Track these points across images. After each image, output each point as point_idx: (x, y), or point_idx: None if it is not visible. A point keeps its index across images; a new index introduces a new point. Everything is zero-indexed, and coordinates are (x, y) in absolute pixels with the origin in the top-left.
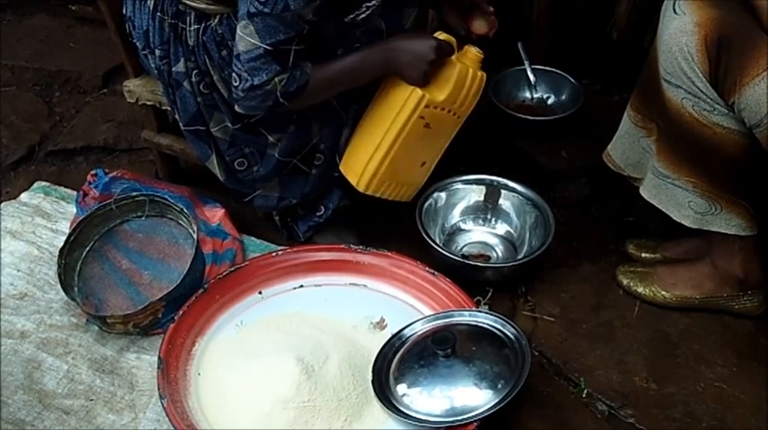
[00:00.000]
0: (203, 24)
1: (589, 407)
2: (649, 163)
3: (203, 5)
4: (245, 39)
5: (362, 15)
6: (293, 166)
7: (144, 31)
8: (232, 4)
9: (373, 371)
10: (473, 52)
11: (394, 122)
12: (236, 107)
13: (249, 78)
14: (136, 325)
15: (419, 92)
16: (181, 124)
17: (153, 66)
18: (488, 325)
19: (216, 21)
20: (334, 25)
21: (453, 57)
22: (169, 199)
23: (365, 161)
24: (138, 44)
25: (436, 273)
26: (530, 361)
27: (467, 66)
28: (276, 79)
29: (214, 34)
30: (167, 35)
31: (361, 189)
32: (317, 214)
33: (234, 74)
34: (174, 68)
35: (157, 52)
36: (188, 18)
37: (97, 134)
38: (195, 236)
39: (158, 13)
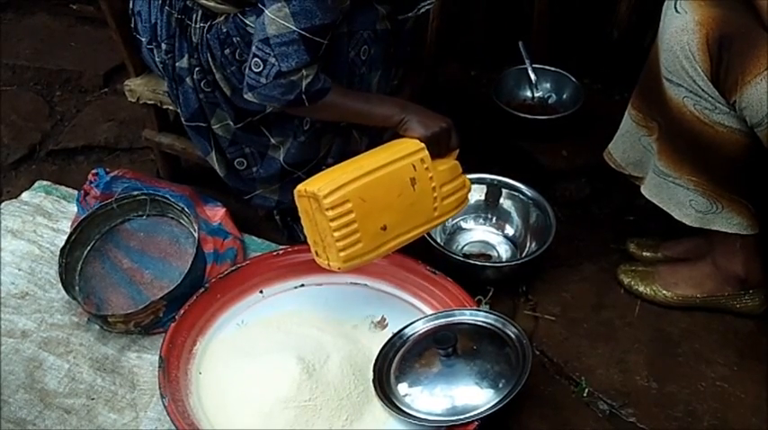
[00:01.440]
0: (209, 23)
1: (590, 406)
2: (650, 162)
3: (212, 3)
4: (278, 22)
5: (424, 9)
6: (297, 177)
7: (152, 25)
8: (240, 4)
9: (374, 371)
10: (467, 178)
11: (384, 157)
12: (251, 95)
13: (277, 64)
14: (137, 324)
15: (421, 143)
16: (182, 119)
17: (158, 60)
18: (489, 324)
19: (221, 19)
20: (345, 26)
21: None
22: (170, 198)
23: (340, 173)
24: (143, 38)
25: (437, 272)
26: (531, 360)
27: (462, 174)
28: (304, 71)
29: (218, 32)
30: (173, 29)
31: (321, 192)
32: None
33: (256, 59)
34: (177, 64)
35: (163, 46)
36: (194, 15)
37: (98, 133)
38: (196, 235)
39: (167, 7)
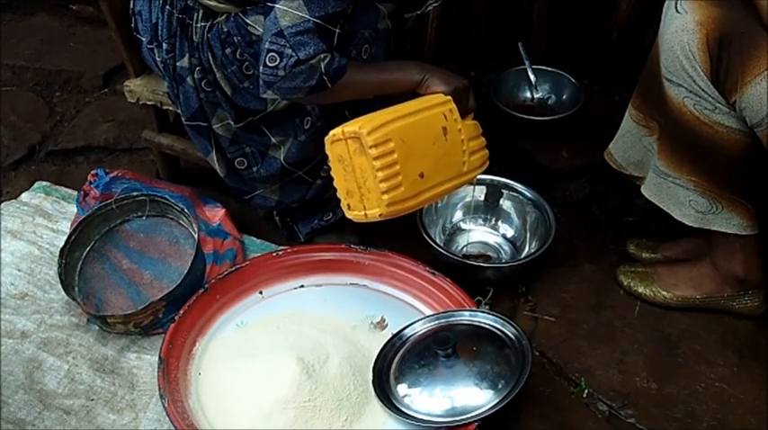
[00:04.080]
0: (210, 22)
1: (590, 407)
2: (651, 161)
3: (213, 3)
4: (291, 12)
5: (431, 7)
6: (297, 177)
7: (153, 24)
8: (241, 3)
9: (374, 371)
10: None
11: (415, 104)
12: (270, 92)
13: (294, 53)
14: (136, 325)
15: (448, 96)
16: (183, 119)
17: (158, 59)
18: (489, 325)
19: (222, 18)
20: (347, 24)
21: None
22: (169, 199)
23: (376, 115)
24: (143, 38)
25: (437, 272)
26: (530, 361)
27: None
28: (321, 55)
29: (219, 32)
30: (174, 29)
31: (363, 130)
32: (325, 218)
33: (272, 53)
34: (178, 63)
35: (164, 45)
36: (195, 15)
37: (98, 134)
38: (196, 235)
39: (168, 7)
